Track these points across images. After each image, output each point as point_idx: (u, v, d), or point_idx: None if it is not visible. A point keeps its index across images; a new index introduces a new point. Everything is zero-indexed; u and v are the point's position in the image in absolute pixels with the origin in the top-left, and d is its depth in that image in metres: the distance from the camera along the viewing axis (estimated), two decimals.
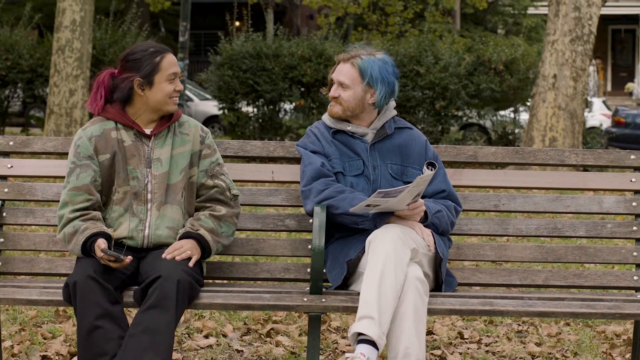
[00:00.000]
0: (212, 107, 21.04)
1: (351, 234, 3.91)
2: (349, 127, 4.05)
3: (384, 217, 3.86)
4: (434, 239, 3.86)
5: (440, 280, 3.89)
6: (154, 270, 3.59)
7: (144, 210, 3.78)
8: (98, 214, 3.77)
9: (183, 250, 3.70)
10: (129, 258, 3.58)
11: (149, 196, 3.79)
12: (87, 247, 3.66)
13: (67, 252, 4.16)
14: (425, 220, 3.90)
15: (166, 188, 3.80)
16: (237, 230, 4.11)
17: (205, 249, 3.78)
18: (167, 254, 3.68)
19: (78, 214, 3.74)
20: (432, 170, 3.84)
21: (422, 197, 3.93)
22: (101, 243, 3.60)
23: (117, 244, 3.74)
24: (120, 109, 3.83)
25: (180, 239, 3.77)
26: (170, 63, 3.83)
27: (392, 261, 3.60)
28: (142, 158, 3.80)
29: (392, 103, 4.12)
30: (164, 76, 3.80)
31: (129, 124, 3.81)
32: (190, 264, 3.68)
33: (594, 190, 4.32)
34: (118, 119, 3.82)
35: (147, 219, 3.78)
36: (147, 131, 3.83)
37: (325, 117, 4.12)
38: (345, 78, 4.01)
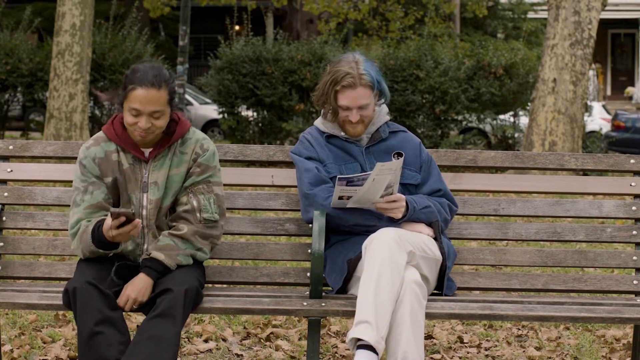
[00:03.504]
0: (211, 111, 21.07)
1: (349, 236, 3.92)
2: (343, 133, 4.04)
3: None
4: (440, 243, 3.86)
5: (443, 279, 3.89)
6: (162, 283, 3.57)
7: (142, 235, 3.74)
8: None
9: (125, 300, 3.57)
10: (138, 220, 3.51)
11: (144, 222, 3.72)
12: (96, 232, 3.58)
13: (67, 256, 4.16)
14: (406, 214, 3.87)
15: (158, 211, 3.74)
16: (237, 234, 4.12)
17: (164, 269, 3.65)
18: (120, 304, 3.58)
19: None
20: (397, 158, 3.80)
21: (418, 193, 3.93)
22: (109, 217, 3.51)
23: (118, 257, 3.71)
24: (121, 128, 3.73)
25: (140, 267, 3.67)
26: (136, 97, 3.60)
27: (388, 265, 3.59)
28: (138, 182, 3.73)
29: (385, 108, 4.11)
30: (128, 106, 3.65)
31: (125, 147, 3.72)
32: (135, 305, 3.57)
33: (594, 194, 4.31)
34: (117, 141, 3.72)
35: (144, 244, 3.75)
36: (145, 153, 3.74)
37: (319, 122, 4.10)
38: (364, 99, 3.95)
